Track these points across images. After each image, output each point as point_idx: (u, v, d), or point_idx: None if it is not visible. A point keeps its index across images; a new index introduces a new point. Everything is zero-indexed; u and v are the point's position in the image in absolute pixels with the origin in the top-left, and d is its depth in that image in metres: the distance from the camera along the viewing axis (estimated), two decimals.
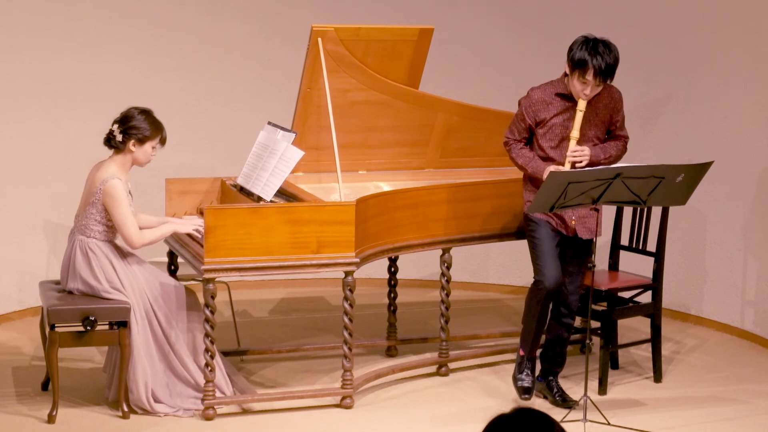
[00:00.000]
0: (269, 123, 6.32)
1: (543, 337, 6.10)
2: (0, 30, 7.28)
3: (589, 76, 5.76)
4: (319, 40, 6.12)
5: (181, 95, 7.85)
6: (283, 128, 6.19)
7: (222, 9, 7.93)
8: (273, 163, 6.01)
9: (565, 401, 6.00)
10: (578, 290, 6.08)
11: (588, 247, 6.00)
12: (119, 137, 5.87)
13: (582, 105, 5.80)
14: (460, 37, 8.00)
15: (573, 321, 6.13)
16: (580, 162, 5.81)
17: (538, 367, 6.16)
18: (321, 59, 6.10)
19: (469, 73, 8.05)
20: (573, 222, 5.95)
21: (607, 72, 5.76)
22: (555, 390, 6.07)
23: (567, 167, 5.78)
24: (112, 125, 5.91)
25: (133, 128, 5.87)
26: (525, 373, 6.06)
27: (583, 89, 5.79)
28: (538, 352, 6.22)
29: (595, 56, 5.74)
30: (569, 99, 5.87)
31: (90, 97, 7.55)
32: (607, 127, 6.00)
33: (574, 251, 6.02)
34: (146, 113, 5.94)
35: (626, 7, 7.73)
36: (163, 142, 5.98)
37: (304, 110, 6.38)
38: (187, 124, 7.86)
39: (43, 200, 7.42)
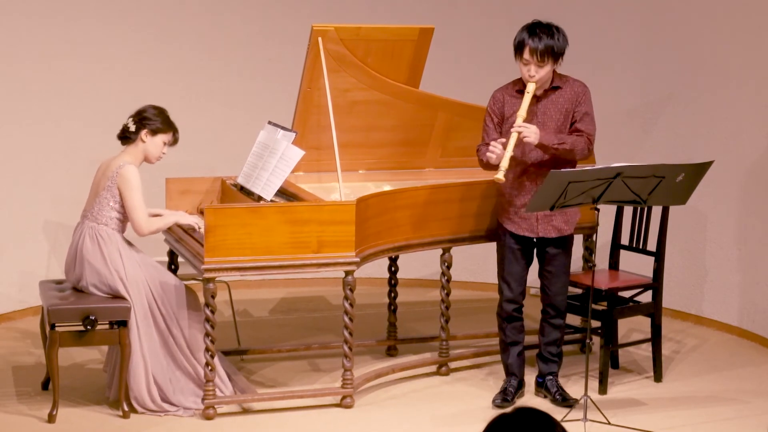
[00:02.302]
0: (269, 122, 6.32)
1: (512, 353, 6.11)
2: (0, 30, 7.28)
3: (527, 55, 5.76)
4: (320, 39, 6.12)
5: (181, 95, 7.84)
6: (283, 128, 6.20)
7: (222, 9, 7.93)
8: (273, 162, 6.01)
9: (565, 400, 6.00)
10: (563, 290, 6.04)
11: (564, 243, 5.96)
12: (132, 127, 5.98)
13: (530, 87, 5.76)
14: (460, 37, 8.00)
15: (562, 320, 6.10)
16: (527, 137, 5.71)
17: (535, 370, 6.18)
18: (321, 59, 6.10)
19: (469, 73, 8.05)
20: (537, 223, 5.92)
21: (543, 47, 5.72)
22: (554, 389, 6.07)
23: (512, 140, 5.69)
24: (127, 119, 6.01)
25: (147, 119, 5.98)
26: (501, 389, 6.11)
27: (527, 71, 5.78)
28: (535, 352, 6.23)
29: (531, 35, 5.77)
30: None
31: (90, 97, 7.55)
32: (569, 121, 5.91)
33: (548, 251, 5.99)
34: (161, 110, 6.06)
35: (627, 7, 7.73)
36: (175, 140, 6.05)
37: (304, 110, 6.38)
38: (187, 124, 7.81)
39: (43, 200, 7.42)
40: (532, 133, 5.73)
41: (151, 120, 5.97)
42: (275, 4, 8.02)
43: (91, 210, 5.95)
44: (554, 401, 6.04)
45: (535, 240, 5.98)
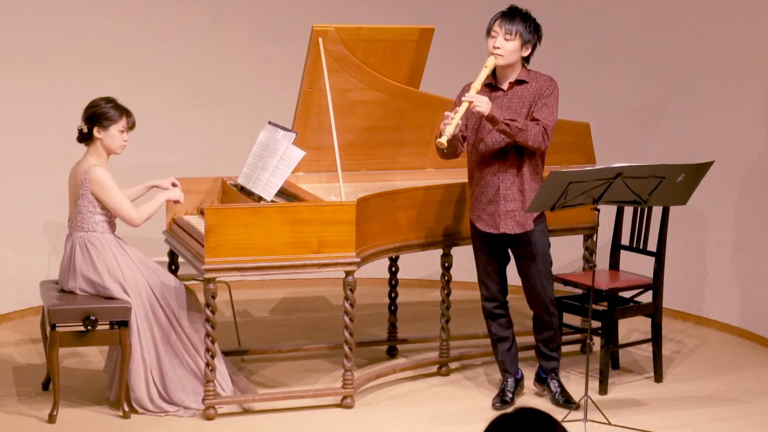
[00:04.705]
0: (270, 123, 6.32)
1: (500, 348, 6.13)
2: (0, 30, 7.28)
3: (496, 27, 5.80)
4: (320, 39, 6.12)
5: (181, 95, 7.85)
6: (283, 128, 6.20)
7: (222, 9, 7.93)
8: (274, 162, 6.01)
9: (567, 402, 5.98)
10: (543, 286, 5.95)
11: (530, 239, 5.88)
12: (85, 128, 5.97)
13: (489, 61, 5.76)
14: (461, 37, 8.00)
15: (550, 317, 6.04)
16: (477, 106, 5.63)
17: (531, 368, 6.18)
18: (322, 59, 6.10)
19: (470, 73, 8.03)
20: (500, 219, 5.87)
21: (513, 24, 5.75)
22: (556, 390, 6.05)
23: (462, 108, 5.63)
24: (81, 121, 5.98)
25: (94, 116, 5.94)
26: (499, 390, 6.12)
27: (493, 43, 5.79)
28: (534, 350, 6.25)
29: (506, 12, 5.82)
30: (495, 89, 5.86)
31: (90, 97, 7.47)
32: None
33: (516, 249, 5.95)
34: (108, 100, 6.02)
35: (627, 7, 7.73)
36: (131, 124, 5.99)
37: (304, 110, 6.38)
38: (187, 124, 7.87)
39: (44, 200, 7.42)
40: (483, 103, 5.66)
41: (98, 115, 5.92)
42: (275, 4, 8.02)
43: (75, 220, 5.94)
44: (554, 401, 6.03)
45: (502, 237, 5.95)
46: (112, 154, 6.00)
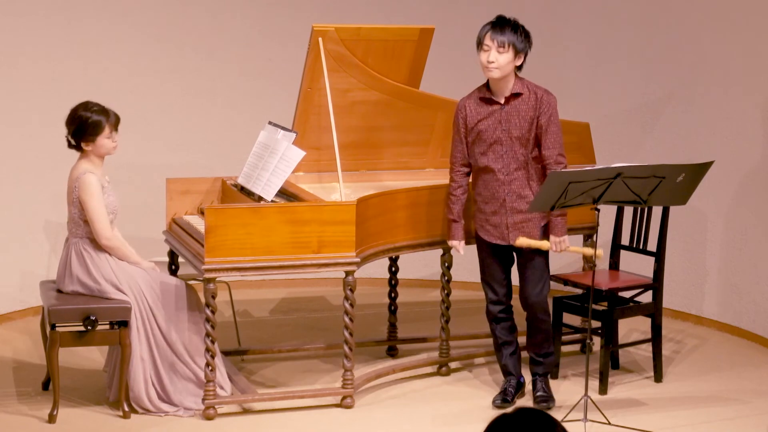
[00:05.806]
0: (270, 123, 6.32)
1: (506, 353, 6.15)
2: (0, 30, 7.28)
3: (487, 40, 5.79)
4: (320, 39, 6.12)
5: (181, 95, 7.85)
6: (283, 128, 6.20)
7: (222, 9, 7.93)
8: (274, 162, 6.01)
9: (544, 401, 5.96)
10: (539, 292, 5.97)
11: (537, 249, 5.92)
12: (72, 141, 5.93)
13: (520, 241, 5.81)
14: (461, 37, 7.99)
15: (542, 322, 6.04)
16: (566, 246, 5.92)
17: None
18: (322, 59, 6.10)
19: (469, 73, 8.03)
20: (508, 231, 5.91)
21: (504, 36, 5.75)
22: (537, 391, 6.03)
23: (575, 248, 5.91)
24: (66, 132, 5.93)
25: (78, 131, 5.89)
26: (501, 389, 6.10)
27: (486, 57, 5.78)
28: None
29: (495, 25, 5.83)
30: (492, 102, 5.86)
31: (90, 97, 7.46)
32: (534, 129, 5.85)
33: (523, 256, 5.97)
34: (86, 107, 5.91)
35: (627, 7, 7.73)
36: (116, 124, 5.92)
37: (304, 110, 6.38)
38: (187, 124, 7.87)
39: (44, 200, 7.42)
40: (564, 240, 5.92)
41: (81, 130, 5.86)
42: (275, 4, 8.02)
43: (71, 224, 5.93)
44: (534, 401, 6.01)
45: (508, 245, 5.96)
46: (107, 155, 5.98)
